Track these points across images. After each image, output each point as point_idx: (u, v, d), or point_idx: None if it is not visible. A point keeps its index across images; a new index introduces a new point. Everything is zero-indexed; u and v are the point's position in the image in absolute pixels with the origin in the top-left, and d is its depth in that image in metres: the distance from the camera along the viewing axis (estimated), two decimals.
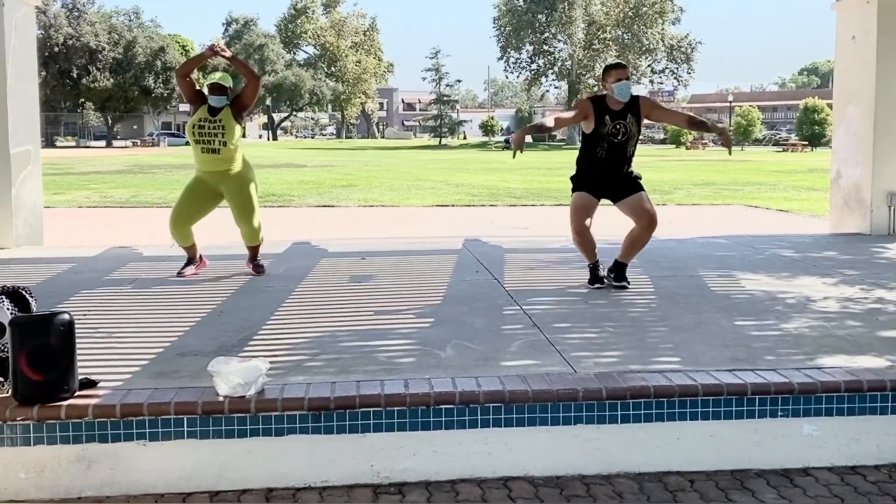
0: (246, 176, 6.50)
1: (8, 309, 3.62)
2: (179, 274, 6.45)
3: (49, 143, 60.33)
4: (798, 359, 4.05)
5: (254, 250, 6.62)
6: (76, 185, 20.87)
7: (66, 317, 3.43)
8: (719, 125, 5.75)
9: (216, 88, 6.33)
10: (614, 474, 3.54)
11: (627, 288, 5.78)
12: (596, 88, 62.58)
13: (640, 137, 5.92)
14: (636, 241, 5.86)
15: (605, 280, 5.87)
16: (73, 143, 63.07)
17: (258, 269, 6.56)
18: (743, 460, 3.61)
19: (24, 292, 3.76)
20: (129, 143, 63.11)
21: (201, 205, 6.51)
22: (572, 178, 5.90)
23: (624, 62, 6.09)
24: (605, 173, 5.77)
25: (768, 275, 6.39)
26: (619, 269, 5.87)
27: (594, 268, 5.93)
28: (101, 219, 13.17)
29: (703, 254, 7.48)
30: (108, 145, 60.89)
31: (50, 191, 18.38)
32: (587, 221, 5.78)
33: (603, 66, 6.12)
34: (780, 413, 3.64)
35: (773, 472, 3.57)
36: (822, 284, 6.01)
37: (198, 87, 6.52)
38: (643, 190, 5.84)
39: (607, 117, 5.67)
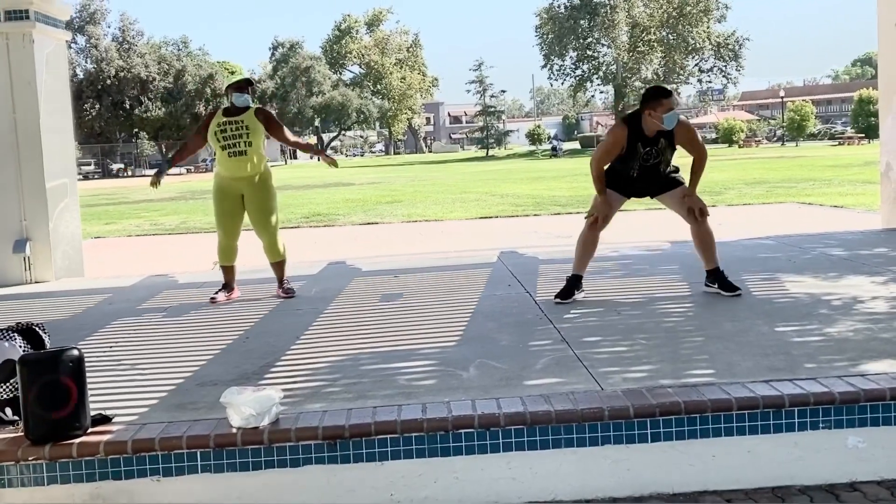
0: (267, 183, 6.46)
1: (20, 346, 3.60)
2: (212, 300, 6.43)
3: (105, 173, 61.80)
4: (841, 366, 3.82)
5: (279, 270, 6.56)
6: (128, 213, 21.26)
7: (76, 353, 3.38)
8: (692, 193, 5.52)
9: (242, 86, 6.28)
10: (647, 496, 3.37)
11: (741, 293, 5.48)
12: (643, 91, 61.90)
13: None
14: (703, 239, 5.58)
15: (710, 289, 5.58)
16: (129, 173, 64.33)
17: (288, 292, 6.50)
18: (784, 476, 3.41)
19: (37, 329, 3.73)
20: (183, 169, 64.19)
21: (235, 215, 6.46)
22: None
23: (670, 88, 5.59)
24: (638, 181, 5.57)
25: (814, 276, 6.12)
26: (717, 278, 5.56)
27: (575, 281, 5.62)
28: (148, 247, 13.34)
29: (748, 256, 7.22)
30: None
31: (102, 220, 18.79)
32: (606, 219, 5.55)
33: (648, 90, 5.58)
34: (821, 425, 3.42)
35: (817, 488, 3.36)
36: (870, 284, 5.73)
37: (200, 135, 6.48)
38: (684, 183, 5.60)
39: (639, 144, 5.37)
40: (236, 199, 6.41)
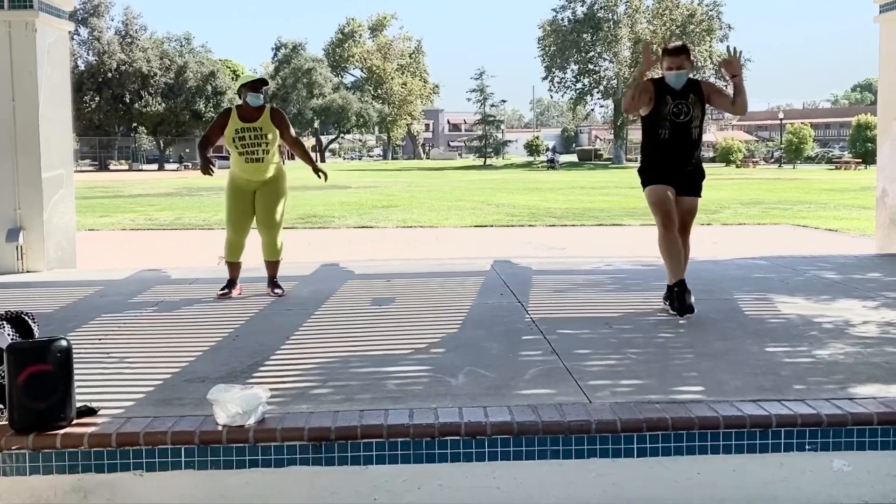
0: (280, 185, 6.52)
1: (8, 335, 3.58)
2: (221, 295, 6.41)
3: (102, 166, 61.64)
4: (829, 388, 3.83)
5: (273, 269, 6.58)
6: (124, 207, 21.18)
7: (64, 343, 3.37)
8: (735, 75, 5.43)
9: (257, 86, 6.24)
10: None
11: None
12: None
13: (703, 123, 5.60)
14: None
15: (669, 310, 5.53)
16: (126, 167, 64.21)
17: (277, 291, 6.51)
18: (768, 497, 3.41)
19: (26, 318, 3.71)
20: (180, 165, 64.10)
21: (248, 212, 6.51)
22: (641, 171, 5.65)
23: (682, 45, 5.62)
24: (672, 158, 5.51)
25: (806, 298, 6.13)
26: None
27: (681, 287, 5.42)
28: (142, 241, 13.30)
29: (741, 276, 7.23)
30: (160, 168, 61.94)
31: (97, 213, 18.71)
32: (671, 215, 5.47)
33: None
34: (807, 447, 3.43)
35: None
36: (862, 308, 5.74)
37: (217, 133, 6.45)
38: (700, 196, 5.65)
39: (668, 97, 5.45)
40: (250, 197, 6.48)
